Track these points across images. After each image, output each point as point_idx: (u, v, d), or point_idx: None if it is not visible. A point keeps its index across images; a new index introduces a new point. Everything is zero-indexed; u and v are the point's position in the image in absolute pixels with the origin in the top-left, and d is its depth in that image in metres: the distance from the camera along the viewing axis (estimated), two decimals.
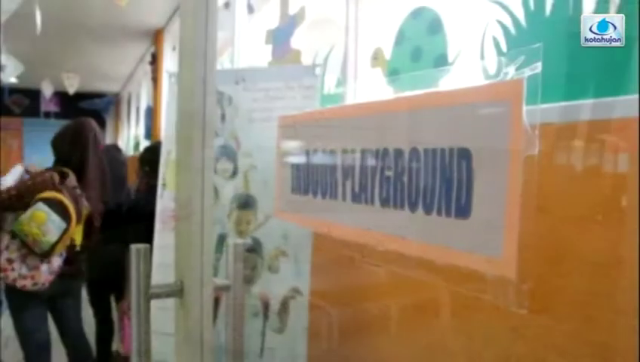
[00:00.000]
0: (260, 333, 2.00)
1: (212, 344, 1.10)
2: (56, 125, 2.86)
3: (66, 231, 2.41)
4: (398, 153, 0.91)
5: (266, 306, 1.98)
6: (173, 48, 6.00)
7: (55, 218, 2.39)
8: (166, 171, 2.25)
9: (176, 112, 1.13)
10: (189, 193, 1.06)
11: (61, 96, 9.51)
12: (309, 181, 1.22)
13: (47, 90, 9.13)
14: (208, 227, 1.06)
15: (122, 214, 3.36)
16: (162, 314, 2.41)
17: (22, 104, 11.35)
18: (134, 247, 1.07)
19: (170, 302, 2.05)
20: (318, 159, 1.18)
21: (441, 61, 1.80)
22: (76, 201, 2.54)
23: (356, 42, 2.21)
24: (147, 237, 3.01)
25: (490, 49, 1.59)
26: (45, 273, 2.49)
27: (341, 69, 2.26)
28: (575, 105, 1.17)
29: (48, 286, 2.51)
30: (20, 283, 2.44)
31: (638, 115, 0.97)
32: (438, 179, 0.82)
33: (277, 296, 1.97)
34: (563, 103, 1.19)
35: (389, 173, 0.93)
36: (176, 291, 1.12)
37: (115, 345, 3.83)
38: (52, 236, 2.38)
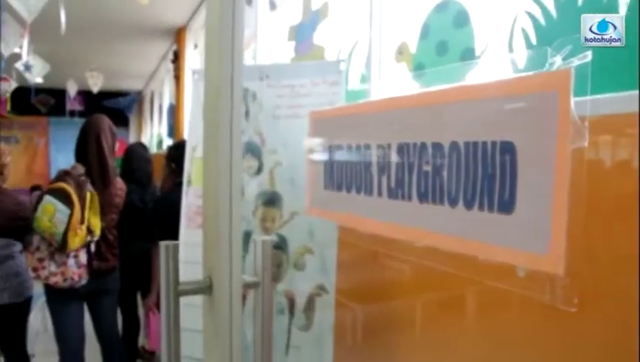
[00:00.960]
0: (285, 331, 2.00)
1: (241, 341, 1.10)
2: (81, 124, 2.92)
3: (70, 216, 2.45)
4: (437, 147, 0.89)
5: (291, 304, 1.98)
6: (195, 46, 6.04)
7: (61, 207, 2.44)
8: (191, 168, 2.25)
9: (203, 110, 1.13)
10: (217, 190, 1.06)
11: (85, 95, 9.64)
12: (342, 177, 1.21)
13: (72, 89, 9.27)
14: (237, 224, 1.06)
15: (148, 211, 3.40)
16: (188, 310, 2.43)
17: (48, 103, 11.53)
18: (163, 244, 1.07)
19: (197, 299, 2.06)
20: (352, 154, 1.17)
21: (468, 55, 1.77)
22: (80, 187, 2.57)
23: (380, 37, 2.19)
24: (173, 234, 3.04)
25: (520, 41, 1.56)
26: (73, 267, 2.54)
27: (365, 64, 2.24)
28: (609, 98, 1.14)
29: (80, 281, 2.57)
30: (52, 281, 2.52)
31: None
32: (479, 174, 0.80)
33: (302, 294, 1.96)
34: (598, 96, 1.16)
35: (428, 168, 0.91)
36: (205, 288, 1.12)
37: (141, 341, 3.88)
38: (62, 225, 2.44)
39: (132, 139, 12.32)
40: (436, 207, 0.90)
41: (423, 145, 0.92)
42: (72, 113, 10.26)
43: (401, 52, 2.07)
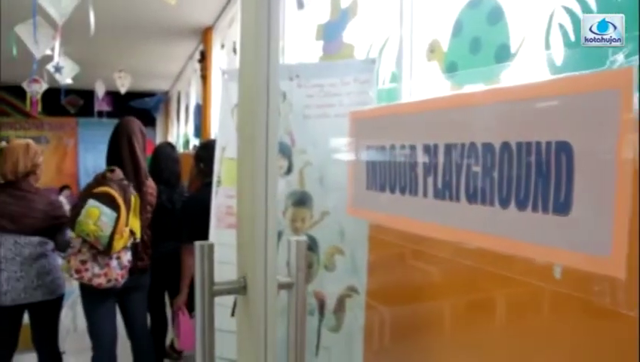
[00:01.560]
0: (315, 332, 1.99)
1: (276, 342, 1.09)
2: (109, 124, 3.00)
3: (117, 220, 2.51)
4: (488, 147, 0.86)
5: (321, 304, 1.97)
6: (222, 46, 6.06)
7: (106, 210, 2.50)
8: (221, 168, 2.26)
9: (238, 110, 1.13)
10: (252, 190, 1.05)
11: (113, 95, 9.78)
12: (385, 177, 1.19)
13: (100, 90, 9.41)
14: (272, 224, 1.05)
15: (176, 211, 3.42)
16: (217, 310, 2.44)
17: (76, 104, 11.75)
18: (198, 244, 1.07)
19: (226, 299, 2.05)
20: (396, 155, 1.15)
21: (503, 52, 1.73)
22: (124, 190, 2.64)
23: (411, 34, 2.16)
24: (202, 234, 3.06)
25: (557, 38, 1.52)
26: (116, 268, 2.61)
27: (396, 62, 2.21)
28: None
29: (121, 281, 2.64)
30: (95, 282, 2.57)
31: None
32: (533, 174, 0.77)
33: (333, 295, 1.95)
34: None
35: (477, 169, 0.89)
36: (240, 288, 1.11)
37: (168, 340, 3.91)
38: (108, 229, 2.49)
39: (159, 139, 12.46)
40: (486, 208, 0.87)
41: (473, 146, 0.89)
42: (100, 114, 10.42)
43: (433, 50, 2.04)
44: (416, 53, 2.14)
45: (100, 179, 2.68)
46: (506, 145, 0.83)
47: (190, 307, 3.34)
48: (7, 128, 11.89)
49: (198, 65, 6.84)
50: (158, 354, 3.70)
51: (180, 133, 9.80)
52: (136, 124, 2.97)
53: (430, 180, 1.02)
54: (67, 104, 11.44)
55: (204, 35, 6.56)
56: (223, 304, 2.32)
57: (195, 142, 7.73)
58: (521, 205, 0.80)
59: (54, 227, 2.90)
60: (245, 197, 1.10)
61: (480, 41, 1.84)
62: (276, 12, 1.05)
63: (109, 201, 2.52)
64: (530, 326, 1.37)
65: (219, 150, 2.27)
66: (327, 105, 1.95)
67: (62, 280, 2.98)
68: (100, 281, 2.58)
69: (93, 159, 11.59)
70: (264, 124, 1.02)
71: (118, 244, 2.55)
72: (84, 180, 10.87)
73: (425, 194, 1.03)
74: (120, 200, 2.55)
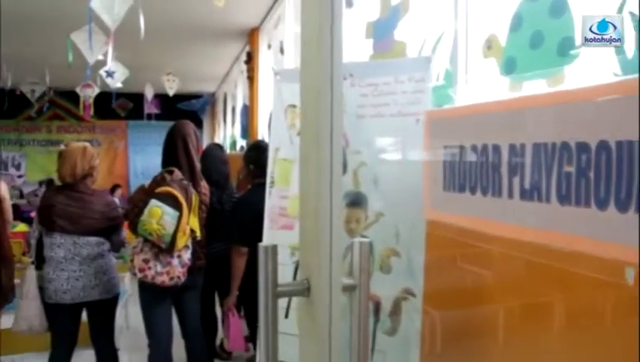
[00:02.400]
0: (370, 335, 1.96)
1: (340, 344, 1.07)
2: (157, 126, 3.10)
3: (180, 218, 2.57)
4: (582, 147, 0.82)
5: (376, 307, 1.94)
6: (269, 46, 6.10)
7: (169, 210, 2.56)
8: (274, 169, 2.26)
9: (301, 110, 1.11)
10: (317, 190, 1.04)
11: (161, 98, 10.00)
12: (466, 178, 1.16)
13: (150, 93, 9.64)
14: (337, 225, 1.03)
15: (225, 212, 3.44)
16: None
17: (126, 107, 12.10)
18: (262, 246, 1.06)
19: (282, 301, 2.04)
20: (477, 155, 1.11)
21: (567, 45, 1.66)
22: (185, 190, 2.71)
23: (467, 29, 2.10)
24: (252, 235, 3.07)
25: (629, 28, 1.44)
26: (178, 266, 2.67)
27: (450, 59, 2.16)
28: None
29: (182, 279, 2.70)
30: (158, 280, 2.64)
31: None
32: (636, 174, 0.73)
33: (388, 297, 1.92)
34: None
35: (570, 169, 0.84)
36: (303, 290, 1.10)
37: (218, 341, 3.94)
38: (170, 227, 2.55)
39: (205, 140, 12.67)
40: (581, 209, 0.83)
41: (565, 145, 0.85)
42: (149, 116, 10.66)
43: (490, 45, 1.98)
44: (472, 50, 2.09)
45: (159, 180, 2.75)
46: (603, 144, 0.79)
47: (238, 308, 3.36)
48: (63, 132, 12.35)
49: (244, 67, 6.90)
50: (209, 354, 3.74)
51: (227, 135, 9.92)
52: (190, 126, 3.05)
53: (516, 181, 0.98)
54: (117, 107, 11.80)
55: (251, 35, 6.62)
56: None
57: (241, 143, 7.80)
58: (622, 207, 0.75)
59: (110, 228, 2.98)
60: (309, 198, 1.09)
61: (541, 34, 1.77)
62: (339, 8, 1.03)
63: (171, 201, 2.59)
64: (610, 333, 1.29)
65: (272, 151, 2.27)
66: (382, 104, 1.92)
67: (117, 279, 3.06)
68: (163, 279, 2.64)
69: (142, 161, 11.91)
70: (328, 123, 1.01)
71: (180, 242, 2.61)
72: (134, 181, 11.21)
73: (510, 196, 0.99)
74: (182, 199, 2.62)
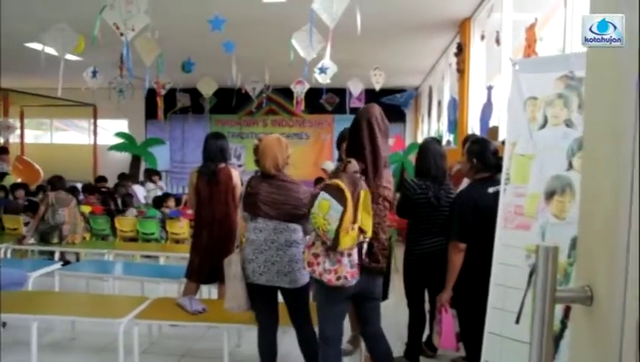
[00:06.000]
0: None
1: None
2: None
3: (343, 214, 2.40)
4: None
5: None
6: (482, 37, 5.87)
7: (335, 204, 2.41)
8: (510, 164, 2.14)
9: (586, 103, 1.02)
10: (613, 190, 0.93)
11: (365, 92, 10.32)
12: None
13: (357, 88, 10.00)
14: (636, 229, 0.91)
15: (441, 207, 3.38)
16: (499, 314, 2.32)
17: (333, 102, 12.77)
18: (543, 246, 0.99)
19: (513, 304, 1.90)
20: None
21: None
22: (354, 185, 2.50)
23: None
24: (472, 232, 2.96)
25: None
26: (347, 266, 2.51)
27: None
28: None
29: (351, 281, 2.54)
30: (325, 278, 2.54)
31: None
32: None
33: None
34: None
35: None
36: (585, 298, 1.00)
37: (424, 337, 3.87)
38: (334, 223, 2.41)
39: (408, 134, 12.77)
40: None
41: None
42: (353, 110, 11.08)
43: None
44: None
45: (339, 172, 2.64)
46: None
47: (452, 304, 3.26)
48: (276, 125, 13.50)
49: (453, 59, 6.74)
50: (414, 350, 3.71)
51: (432, 129, 9.84)
52: (376, 108, 2.85)
53: None
54: (325, 102, 12.52)
55: (462, 26, 6.43)
56: (505, 309, 2.20)
57: (448, 137, 7.66)
58: None
59: (303, 216, 2.96)
60: (597, 197, 0.99)
61: None
62: None
63: (337, 194, 2.43)
64: None
65: (508, 146, 2.16)
66: None
67: (305, 271, 2.90)
68: (330, 277, 2.52)
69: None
70: (632, 118, 0.89)
71: (344, 241, 2.42)
72: None
73: None
74: (348, 194, 2.42)
